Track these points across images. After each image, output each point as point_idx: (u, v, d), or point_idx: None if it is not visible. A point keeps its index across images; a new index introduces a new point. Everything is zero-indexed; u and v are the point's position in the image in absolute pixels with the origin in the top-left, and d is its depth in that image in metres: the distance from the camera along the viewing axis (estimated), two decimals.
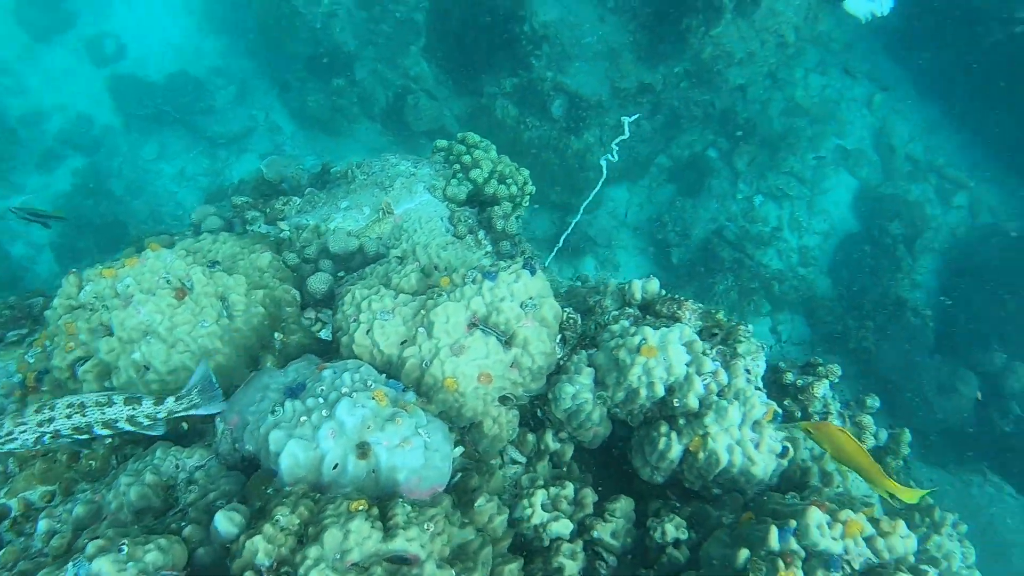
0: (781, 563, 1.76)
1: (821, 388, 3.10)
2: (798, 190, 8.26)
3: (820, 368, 3.32)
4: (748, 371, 2.26)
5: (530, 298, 2.28)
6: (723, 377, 2.18)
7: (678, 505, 2.29)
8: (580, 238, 7.37)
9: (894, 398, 7.28)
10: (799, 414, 3.13)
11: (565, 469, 2.40)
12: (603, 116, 7.31)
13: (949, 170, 8.99)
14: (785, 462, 2.21)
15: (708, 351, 2.28)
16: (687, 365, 2.19)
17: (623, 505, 2.20)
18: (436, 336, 2.16)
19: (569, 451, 2.39)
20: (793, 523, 1.84)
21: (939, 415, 7.02)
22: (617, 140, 3.12)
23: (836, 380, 3.34)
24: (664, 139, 7.83)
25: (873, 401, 3.78)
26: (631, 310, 2.44)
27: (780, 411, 2.29)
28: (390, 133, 7.70)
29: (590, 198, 3.34)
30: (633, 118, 3.24)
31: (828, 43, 9.33)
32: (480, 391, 2.19)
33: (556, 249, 3.91)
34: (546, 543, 2.12)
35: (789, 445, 2.27)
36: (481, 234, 3.17)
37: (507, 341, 2.26)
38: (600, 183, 3.29)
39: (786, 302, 7.65)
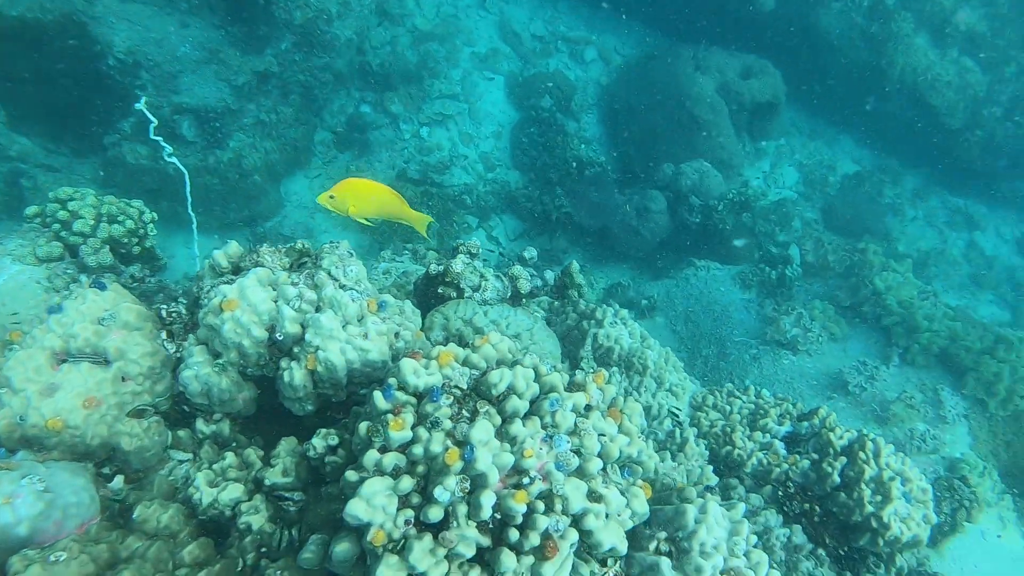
0: (391, 417, 1.98)
1: (458, 263, 3.42)
2: (455, 107, 8.72)
3: (460, 247, 3.65)
4: (336, 279, 2.45)
5: (106, 311, 2.30)
6: (311, 295, 2.36)
7: (343, 419, 2.46)
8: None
9: (611, 242, 8.10)
10: (454, 294, 3.44)
11: (234, 444, 2.49)
12: (240, 119, 7.21)
13: (571, 33, 9.92)
14: (388, 343, 2.44)
15: (296, 280, 2.44)
16: (274, 301, 2.34)
17: (285, 445, 2.33)
18: (21, 388, 2.12)
19: (226, 427, 2.47)
20: (391, 380, 2.07)
21: (648, 236, 7.91)
22: (152, 130, 3.14)
23: (478, 252, 3.69)
24: (312, 115, 7.89)
25: (530, 252, 4.21)
26: (224, 279, 2.54)
27: (385, 300, 2.51)
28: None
29: (190, 202, 3.34)
30: (142, 101, 3.26)
31: None
32: (95, 417, 2.20)
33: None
34: (228, 513, 2.21)
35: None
36: (83, 278, 3.10)
37: (105, 360, 2.28)
38: (187, 184, 3.31)
39: (487, 208, 8.16)
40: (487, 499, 1.78)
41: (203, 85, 6.94)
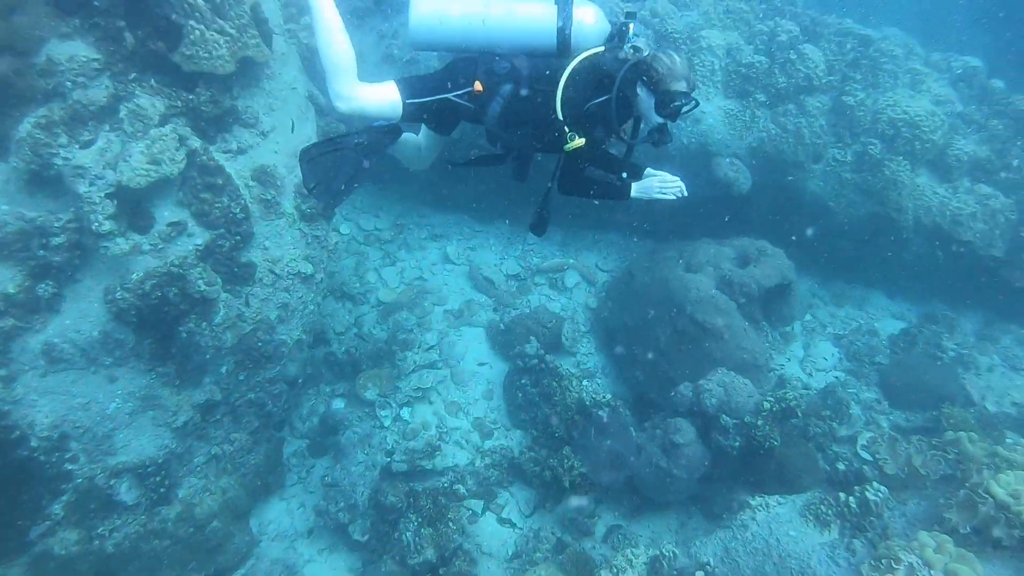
0: None
1: None
2: (435, 376, 7.81)
3: None
4: None
5: None
6: None
7: None
8: None
9: (643, 491, 6.77)
10: None
11: None
12: (188, 461, 6.33)
13: (546, 263, 9.28)
14: None
15: None
16: None
17: None
18: None
19: None
20: None
21: (683, 475, 6.58)
22: None
23: None
24: (274, 430, 7.00)
25: None
26: None
27: None
28: None
29: None
30: None
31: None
32: None
33: None
34: None
35: None
36: None
37: None
38: None
39: (490, 486, 6.93)
40: None
41: (140, 437, 6.12)
